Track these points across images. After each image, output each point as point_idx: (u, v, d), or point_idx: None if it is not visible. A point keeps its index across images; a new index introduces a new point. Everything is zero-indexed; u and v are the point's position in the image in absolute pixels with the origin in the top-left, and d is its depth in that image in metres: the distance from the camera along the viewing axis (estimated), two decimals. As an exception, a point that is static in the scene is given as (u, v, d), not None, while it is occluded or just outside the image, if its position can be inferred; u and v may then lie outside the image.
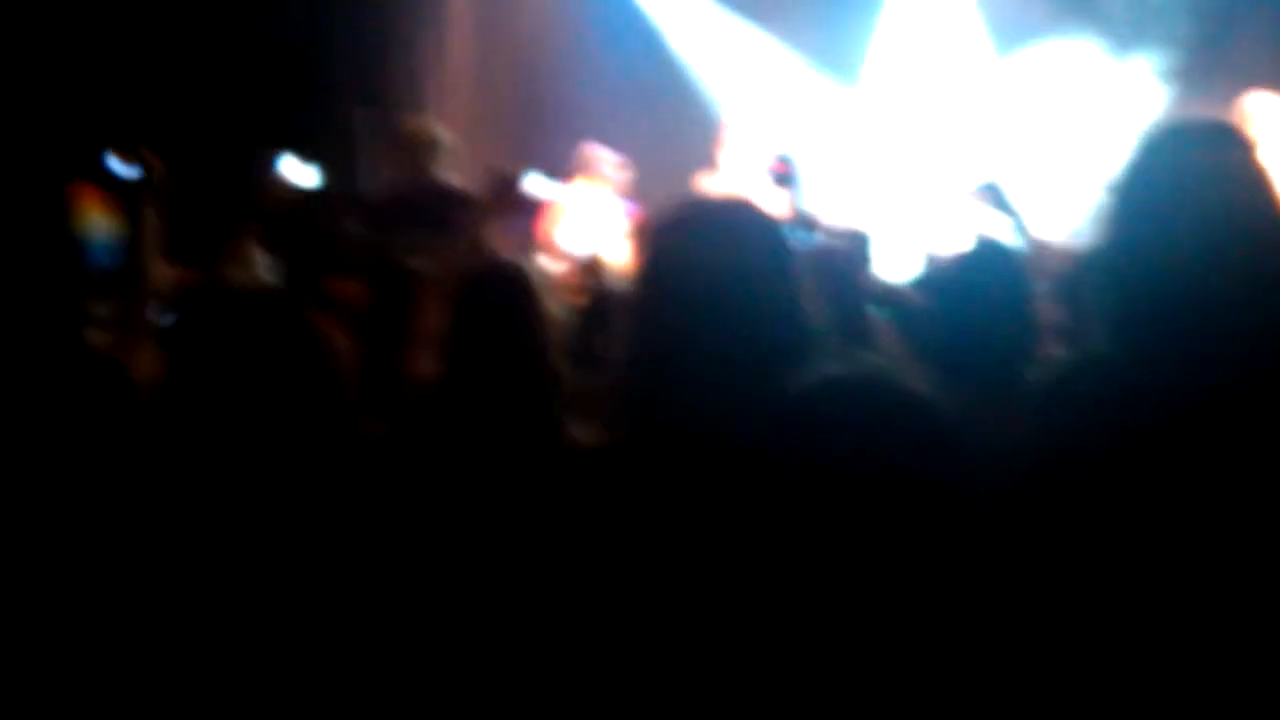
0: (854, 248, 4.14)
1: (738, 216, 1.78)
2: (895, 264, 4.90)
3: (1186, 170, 1.59)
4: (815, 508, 1.46)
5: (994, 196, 3.92)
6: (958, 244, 3.21)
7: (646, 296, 1.78)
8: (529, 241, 5.02)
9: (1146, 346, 1.55)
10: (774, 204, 4.95)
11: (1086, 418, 1.56)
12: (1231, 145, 1.64)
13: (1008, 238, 3.87)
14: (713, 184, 5.70)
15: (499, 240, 2.99)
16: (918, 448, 1.46)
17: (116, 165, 3.13)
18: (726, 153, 6.04)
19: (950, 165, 7.48)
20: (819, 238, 4.00)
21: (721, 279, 1.70)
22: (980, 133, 7.74)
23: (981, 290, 2.80)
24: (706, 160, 5.93)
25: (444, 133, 4.83)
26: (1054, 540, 1.54)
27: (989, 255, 3.00)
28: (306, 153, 6.86)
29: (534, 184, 2.85)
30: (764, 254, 1.73)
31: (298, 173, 4.03)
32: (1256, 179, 1.63)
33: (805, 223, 4.97)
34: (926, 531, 1.45)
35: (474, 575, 2.18)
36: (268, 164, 3.95)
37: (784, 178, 5.23)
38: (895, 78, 8.04)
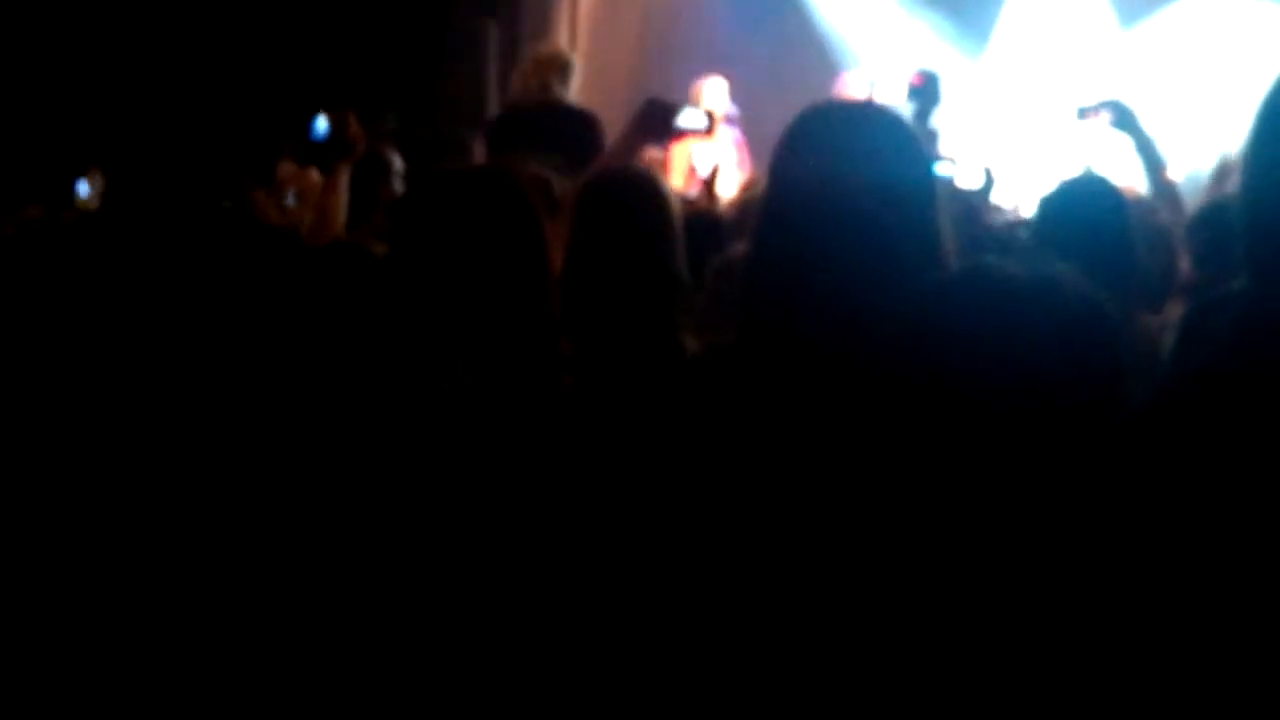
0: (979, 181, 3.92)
1: (873, 117, 1.75)
2: (1014, 203, 4.76)
3: None
4: (957, 408, 1.39)
5: (1119, 116, 3.45)
6: (1063, 175, 2.98)
7: (776, 196, 1.74)
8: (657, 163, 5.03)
9: None
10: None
11: (1223, 354, 1.47)
12: None
13: (1131, 161, 3.56)
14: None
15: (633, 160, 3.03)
16: (1083, 343, 1.38)
17: (320, 126, 3.14)
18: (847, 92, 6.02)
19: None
20: (944, 165, 3.76)
21: (854, 177, 1.65)
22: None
23: (1078, 226, 2.66)
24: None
25: (573, 57, 4.87)
26: (1188, 469, 1.49)
27: (1085, 189, 2.85)
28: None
29: (689, 118, 2.91)
30: (899, 156, 1.69)
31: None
32: None
33: (932, 141, 4.78)
34: (1077, 444, 1.36)
35: (582, 470, 2.16)
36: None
37: (922, 92, 5.04)
38: (1021, 53, 7.94)
